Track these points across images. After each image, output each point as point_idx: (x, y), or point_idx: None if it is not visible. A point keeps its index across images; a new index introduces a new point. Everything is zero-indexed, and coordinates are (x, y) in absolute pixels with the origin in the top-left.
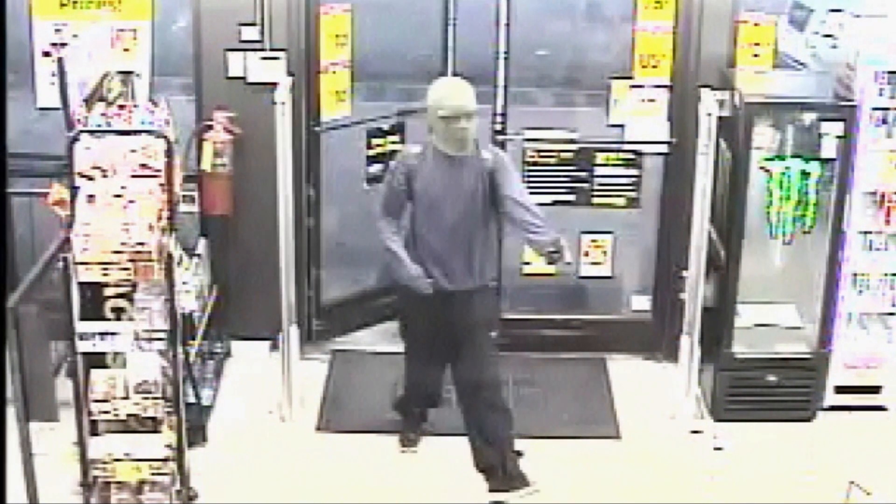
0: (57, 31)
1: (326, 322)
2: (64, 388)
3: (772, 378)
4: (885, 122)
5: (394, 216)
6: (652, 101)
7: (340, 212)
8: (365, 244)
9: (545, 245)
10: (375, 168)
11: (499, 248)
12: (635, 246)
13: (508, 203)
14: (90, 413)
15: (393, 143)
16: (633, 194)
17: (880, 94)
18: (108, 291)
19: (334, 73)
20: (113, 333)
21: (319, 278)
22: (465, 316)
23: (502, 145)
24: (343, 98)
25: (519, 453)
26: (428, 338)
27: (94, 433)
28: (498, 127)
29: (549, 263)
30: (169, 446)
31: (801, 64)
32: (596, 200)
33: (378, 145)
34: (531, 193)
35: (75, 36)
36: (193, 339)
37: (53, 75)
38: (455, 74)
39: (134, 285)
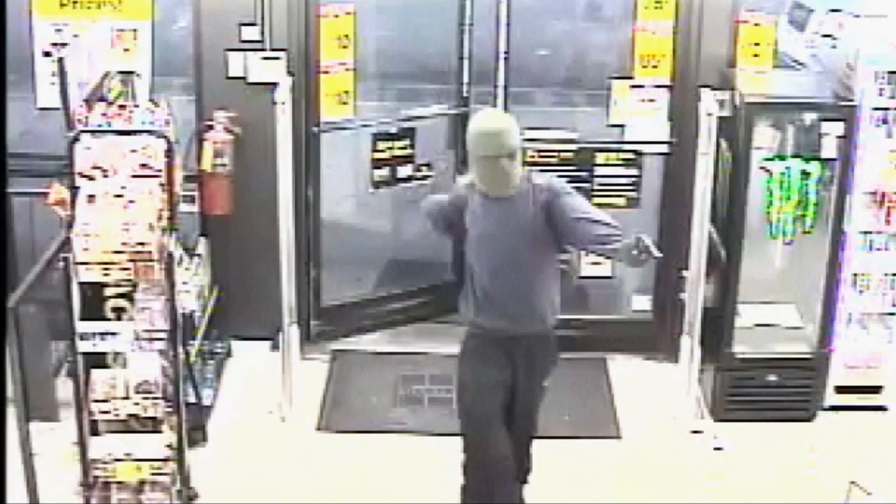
0: (57, 31)
1: (326, 323)
2: (64, 388)
3: (772, 378)
4: (885, 122)
5: (439, 218)
6: (652, 101)
7: (342, 214)
8: (367, 248)
9: (629, 250)
10: (381, 172)
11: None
12: None
13: (579, 224)
14: (90, 413)
15: (401, 148)
16: (633, 194)
17: (880, 94)
18: (109, 291)
19: (336, 74)
20: (113, 333)
21: (319, 279)
22: (526, 364)
23: None
24: (346, 100)
25: (524, 481)
26: (489, 390)
27: (94, 433)
28: None
29: (637, 266)
30: (169, 446)
31: (801, 64)
32: (596, 200)
33: (385, 149)
34: None
35: (75, 36)
36: (193, 339)
37: (53, 75)
38: (470, 79)
39: (134, 285)
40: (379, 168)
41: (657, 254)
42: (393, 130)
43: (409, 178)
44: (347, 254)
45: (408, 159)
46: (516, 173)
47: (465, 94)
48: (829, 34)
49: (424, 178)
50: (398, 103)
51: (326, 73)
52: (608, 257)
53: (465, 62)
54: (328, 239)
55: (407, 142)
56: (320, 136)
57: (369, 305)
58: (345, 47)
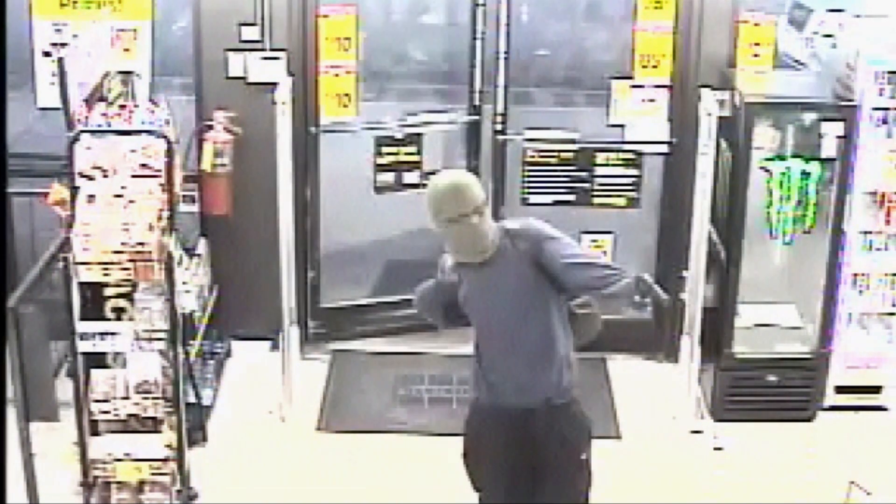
0: (57, 31)
1: (324, 324)
2: (64, 388)
3: (772, 378)
4: (885, 122)
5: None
6: (652, 101)
7: (343, 217)
8: (368, 251)
9: (630, 293)
10: (386, 177)
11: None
12: (635, 246)
13: (571, 271)
14: (90, 413)
15: (408, 153)
16: (633, 194)
17: (880, 94)
18: (109, 291)
19: (336, 76)
20: (113, 333)
21: (318, 280)
22: (549, 437)
23: (503, 145)
24: (347, 103)
25: None
26: (507, 474)
27: (94, 433)
28: (498, 127)
29: (640, 308)
30: (169, 446)
31: (801, 64)
32: (596, 200)
33: (389, 154)
34: (531, 194)
35: (75, 36)
36: (193, 339)
37: (53, 75)
38: (482, 86)
39: (134, 285)
40: (383, 173)
41: (663, 296)
42: (398, 136)
43: (415, 185)
44: (348, 256)
45: (414, 165)
46: (489, 230)
47: (476, 104)
48: (829, 34)
49: None
50: (403, 103)
51: (326, 73)
52: (608, 298)
53: (478, 70)
54: (330, 240)
55: (413, 148)
56: (319, 136)
57: (369, 310)
58: (345, 49)
